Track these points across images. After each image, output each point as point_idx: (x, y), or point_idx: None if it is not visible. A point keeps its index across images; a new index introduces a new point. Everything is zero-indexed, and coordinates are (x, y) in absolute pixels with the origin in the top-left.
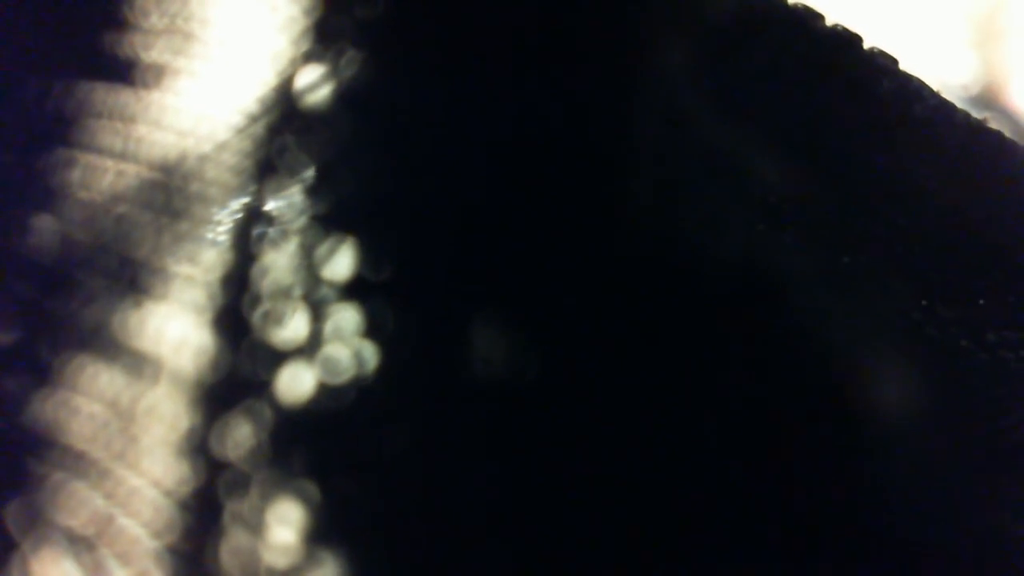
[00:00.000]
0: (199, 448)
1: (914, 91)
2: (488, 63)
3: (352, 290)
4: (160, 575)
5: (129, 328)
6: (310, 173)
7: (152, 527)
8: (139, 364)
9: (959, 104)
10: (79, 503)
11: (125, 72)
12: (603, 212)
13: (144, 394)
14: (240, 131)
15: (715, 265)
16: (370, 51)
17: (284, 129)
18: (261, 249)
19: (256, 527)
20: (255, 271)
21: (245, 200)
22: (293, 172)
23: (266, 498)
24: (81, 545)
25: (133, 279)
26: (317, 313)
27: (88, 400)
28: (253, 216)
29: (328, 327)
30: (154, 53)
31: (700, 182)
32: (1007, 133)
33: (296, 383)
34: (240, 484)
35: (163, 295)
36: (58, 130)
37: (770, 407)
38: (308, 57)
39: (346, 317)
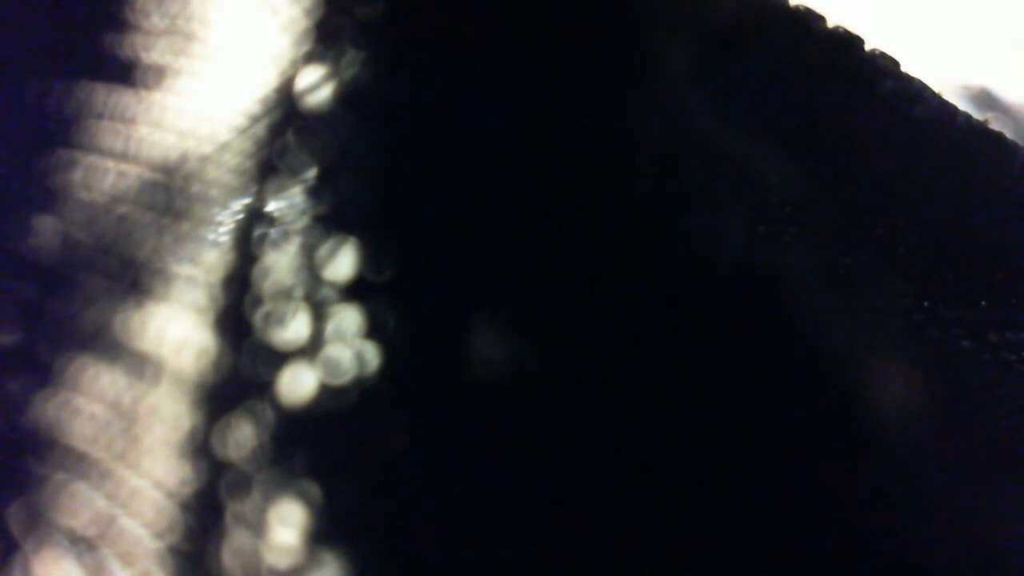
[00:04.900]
0: (201, 449)
1: (915, 92)
2: (489, 65)
3: (353, 291)
4: (162, 575)
5: (131, 329)
6: (311, 174)
7: (154, 527)
8: (141, 365)
9: (960, 105)
10: (81, 504)
11: (126, 73)
12: (604, 213)
13: (146, 395)
14: (241, 132)
15: (716, 265)
16: (371, 52)
17: (285, 130)
18: (262, 250)
19: (257, 527)
20: (256, 272)
21: (246, 201)
22: (294, 173)
23: (267, 498)
24: (83, 545)
25: (135, 280)
26: (318, 314)
27: (90, 401)
28: (254, 217)
29: (329, 328)
30: (155, 54)
31: (701, 183)
32: (1008, 134)
33: (297, 384)
34: (242, 484)
35: (165, 296)
36: (59, 131)
37: (771, 407)
38: (309, 58)
39: (347, 318)
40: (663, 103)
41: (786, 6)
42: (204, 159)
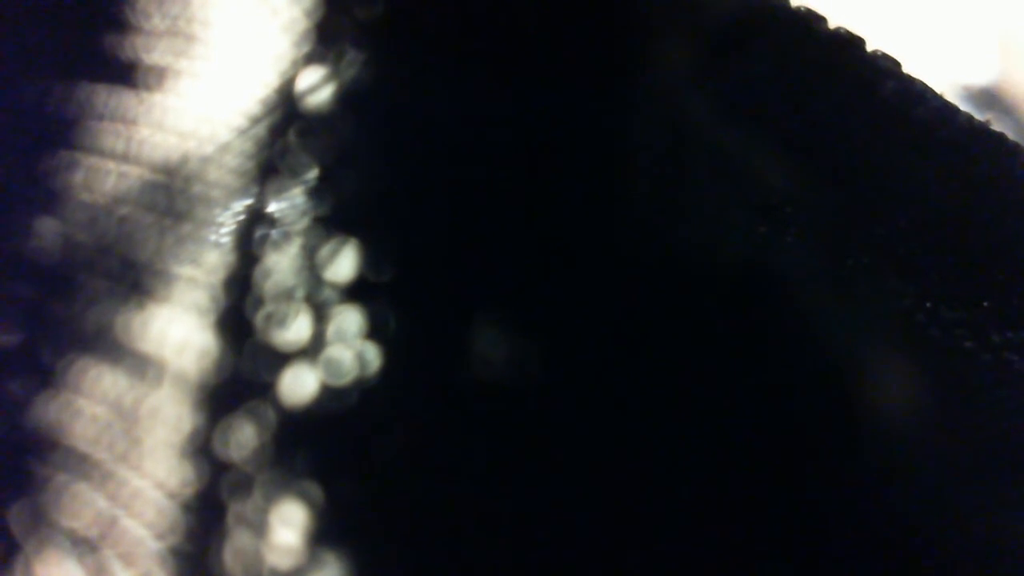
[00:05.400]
0: (202, 450)
1: (917, 93)
2: (489, 64)
3: (355, 292)
4: None
5: (132, 330)
6: (312, 175)
7: (155, 529)
8: (142, 366)
9: (962, 106)
10: (82, 505)
11: (127, 74)
12: (605, 214)
13: (147, 396)
14: (242, 133)
15: (717, 266)
16: (371, 52)
17: (286, 131)
18: (263, 251)
19: (259, 529)
20: (257, 273)
21: (247, 202)
22: (295, 174)
23: (269, 500)
24: (84, 547)
25: (136, 281)
26: (320, 315)
27: (91, 402)
28: (255, 218)
29: (331, 329)
30: (156, 55)
31: (702, 184)
32: (1010, 134)
33: (299, 385)
34: (243, 485)
35: (166, 297)
36: (60, 132)
37: (771, 408)
38: (310, 59)
39: (349, 319)
40: (664, 104)
41: (787, 6)
42: (205, 160)
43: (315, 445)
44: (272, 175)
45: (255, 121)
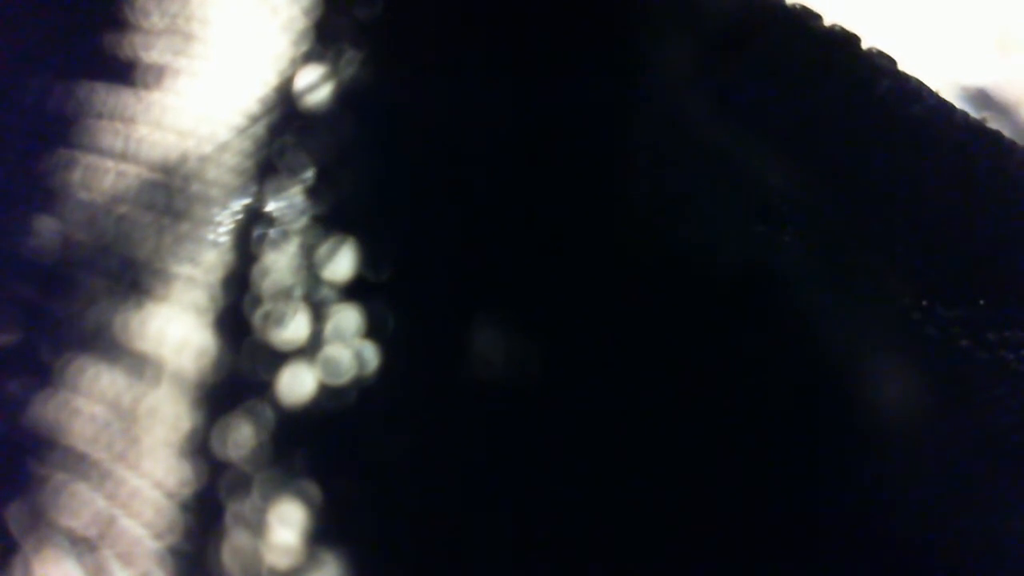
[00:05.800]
0: (200, 449)
1: (912, 91)
2: (488, 64)
3: (352, 291)
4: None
5: (130, 329)
6: (310, 174)
7: (154, 528)
8: (140, 365)
9: (957, 104)
10: (81, 504)
11: (126, 73)
12: (603, 213)
13: (145, 395)
14: (241, 132)
15: (715, 265)
16: (370, 52)
17: (284, 130)
18: (262, 250)
19: (257, 527)
20: (256, 272)
21: (246, 201)
22: (293, 173)
23: (267, 498)
24: (83, 546)
25: (134, 280)
26: (318, 314)
27: (90, 401)
28: (254, 217)
29: (329, 328)
30: (155, 54)
31: (699, 182)
32: (1005, 132)
33: (297, 384)
34: (241, 484)
35: (164, 296)
36: (59, 131)
37: (770, 407)
38: (308, 58)
39: (346, 317)
40: (661, 103)
41: (782, 5)
42: (203, 159)
43: (313, 444)
44: (270, 174)
45: (254, 120)
